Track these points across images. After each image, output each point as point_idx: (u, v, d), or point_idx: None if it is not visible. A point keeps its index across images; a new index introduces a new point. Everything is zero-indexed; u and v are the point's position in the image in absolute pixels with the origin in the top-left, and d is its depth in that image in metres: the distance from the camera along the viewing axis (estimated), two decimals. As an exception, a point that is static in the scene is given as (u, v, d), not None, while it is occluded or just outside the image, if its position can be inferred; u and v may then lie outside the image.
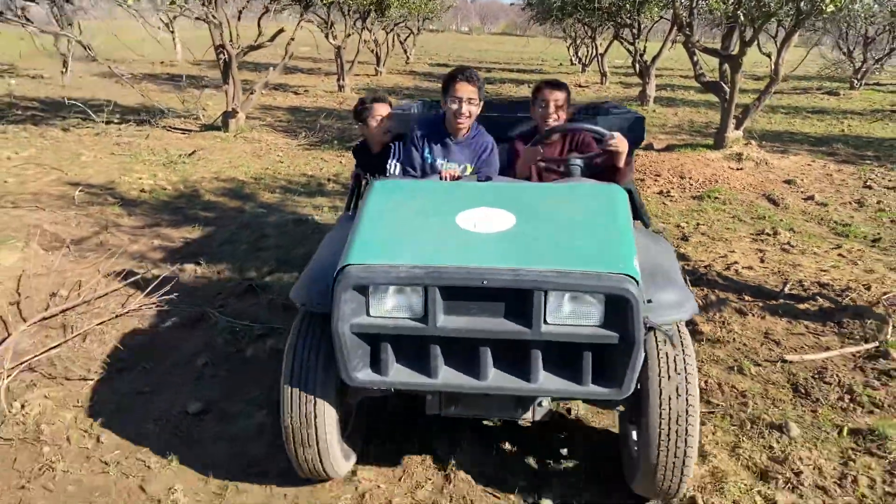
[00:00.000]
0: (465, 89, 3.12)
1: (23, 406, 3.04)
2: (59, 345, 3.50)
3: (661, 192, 7.39)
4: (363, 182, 3.56)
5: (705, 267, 4.98)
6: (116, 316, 3.92)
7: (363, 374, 2.25)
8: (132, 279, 4.37)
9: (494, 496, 2.65)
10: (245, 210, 6.35)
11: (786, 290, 4.48)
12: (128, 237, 5.37)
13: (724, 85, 9.28)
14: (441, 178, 3.05)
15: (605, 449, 2.91)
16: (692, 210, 6.70)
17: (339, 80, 16.41)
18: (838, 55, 20.80)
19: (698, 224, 6.19)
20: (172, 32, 21.86)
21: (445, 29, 60.39)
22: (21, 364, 3.27)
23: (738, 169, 8.34)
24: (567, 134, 3.32)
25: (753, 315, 4.14)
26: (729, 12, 8.67)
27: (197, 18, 10.39)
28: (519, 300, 2.15)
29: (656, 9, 14.73)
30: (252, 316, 4.05)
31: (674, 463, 2.31)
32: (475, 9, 76.01)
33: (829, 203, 6.97)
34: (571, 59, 28.21)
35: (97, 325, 3.75)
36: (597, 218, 2.45)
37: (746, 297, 4.40)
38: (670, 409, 2.28)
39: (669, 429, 2.28)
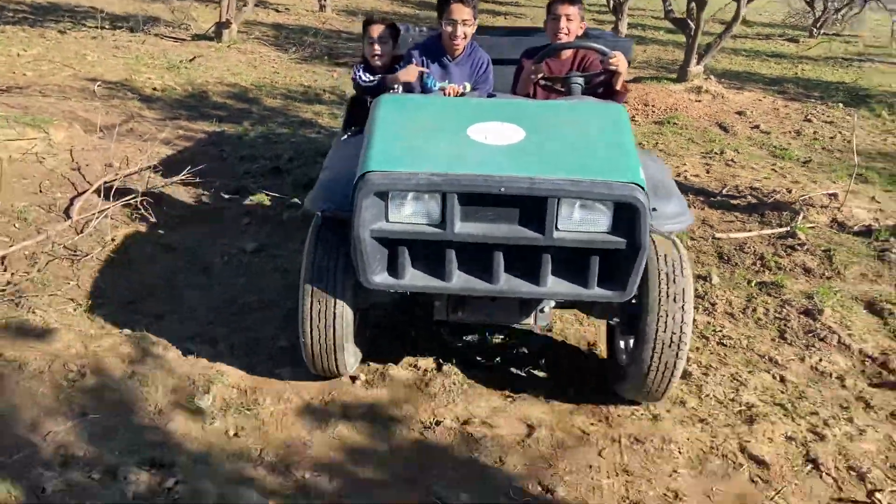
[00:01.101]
0: (460, 11, 3.21)
1: (113, 239, 3.78)
2: (129, 199, 4.20)
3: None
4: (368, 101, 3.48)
5: (660, 173, 5.85)
6: (170, 183, 4.63)
7: (381, 278, 2.35)
8: (171, 155, 5.05)
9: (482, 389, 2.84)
10: (253, 111, 6.98)
11: (724, 191, 5.40)
12: (154, 126, 5.99)
13: (689, 22, 10.03)
14: (445, 95, 3.12)
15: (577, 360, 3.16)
16: (653, 133, 7.55)
17: None
18: (802, 4, 21.60)
19: (657, 143, 7.05)
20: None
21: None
22: (106, 209, 3.98)
23: (696, 101, 9.19)
24: (576, 51, 3.37)
25: (694, 207, 5.06)
26: (698, -47, 9.34)
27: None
28: (532, 208, 2.25)
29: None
30: (281, 190, 4.79)
31: (666, 365, 2.47)
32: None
33: (772, 132, 7.89)
34: (547, -6, 28.37)
35: (154, 189, 4.45)
36: (602, 132, 2.54)
37: (690, 195, 5.30)
38: (668, 314, 2.42)
39: (666, 333, 2.42)
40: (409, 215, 2.30)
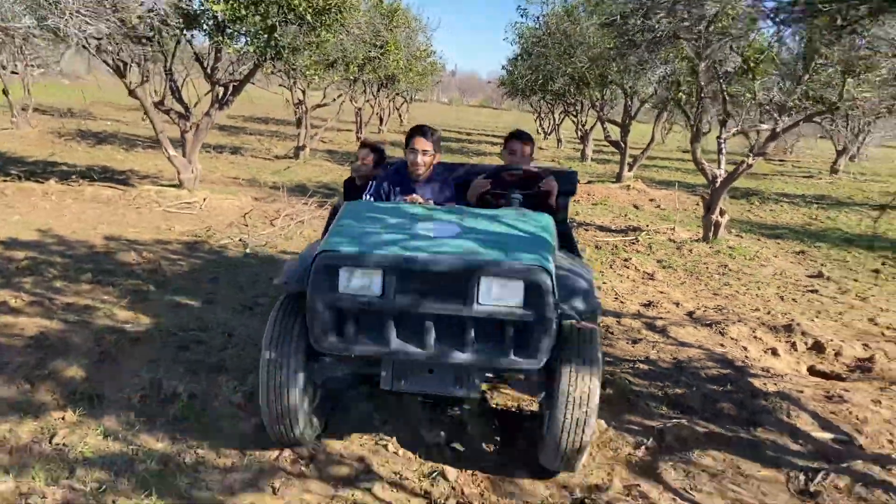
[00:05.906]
0: (420, 143, 3.67)
1: (301, 232, 7.92)
2: (299, 220, 8.36)
3: (573, 202, 12.57)
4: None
5: (580, 221, 10.07)
6: (316, 216, 8.84)
7: (330, 342, 2.77)
8: (308, 204, 9.31)
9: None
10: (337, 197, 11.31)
11: (612, 228, 9.60)
12: (287, 200, 10.30)
13: (621, 143, 14.64)
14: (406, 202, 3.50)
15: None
16: (588, 209, 11.83)
17: (357, 133, 21.61)
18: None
19: (589, 214, 11.31)
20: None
21: (428, 99, 67.20)
22: (299, 219, 8.15)
23: (625, 193, 13.58)
24: (520, 175, 3.94)
25: (593, 232, 9.21)
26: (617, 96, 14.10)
27: (280, 85, 15.58)
28: (458, 284, 2.70)
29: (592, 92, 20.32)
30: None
31: (576, 427, 2.80)
32: (455, 82, 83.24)
33: (666, 209, 12.19)
34: (537, 129, 33.95)
35: (305, 219, 8.64)
36: (525, 230, 3.06)
37: (594, 229, 9.47)
38: (576, 382, 2.78)
39: (574, 396, 2.77)
40: (355, 288, 2.73)
